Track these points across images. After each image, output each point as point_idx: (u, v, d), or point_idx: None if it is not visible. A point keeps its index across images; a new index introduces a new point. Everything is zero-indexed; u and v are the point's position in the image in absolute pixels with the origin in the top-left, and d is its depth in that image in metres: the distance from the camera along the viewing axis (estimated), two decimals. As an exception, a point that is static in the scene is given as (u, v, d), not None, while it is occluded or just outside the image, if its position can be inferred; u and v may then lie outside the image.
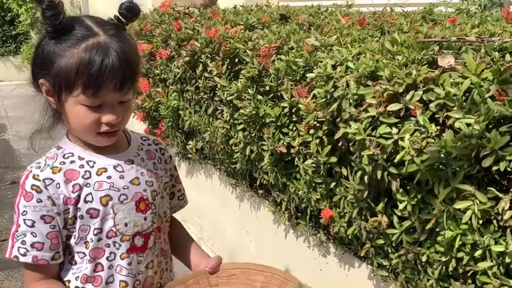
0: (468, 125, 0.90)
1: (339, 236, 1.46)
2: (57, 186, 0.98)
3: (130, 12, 1.00)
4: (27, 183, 0.97)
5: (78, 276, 1.02)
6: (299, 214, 1.72)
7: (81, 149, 1.03)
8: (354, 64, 1.19)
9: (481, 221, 0.95)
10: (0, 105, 6.44)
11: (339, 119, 1.24)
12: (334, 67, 1.28)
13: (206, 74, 1.96)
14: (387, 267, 1.31)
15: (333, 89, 1.23)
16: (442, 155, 0.95)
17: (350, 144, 1.21)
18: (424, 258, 1.10)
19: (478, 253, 0.96)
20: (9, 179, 3.73)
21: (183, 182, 1.27)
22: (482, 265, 0.96)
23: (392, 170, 1.07)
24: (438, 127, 0.99)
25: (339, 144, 1.28)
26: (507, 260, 0.92)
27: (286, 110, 1.48)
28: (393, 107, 1.05)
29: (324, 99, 1.25)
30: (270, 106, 1.56)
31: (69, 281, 1.03)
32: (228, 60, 1.81)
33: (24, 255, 0.97)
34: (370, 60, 1.17)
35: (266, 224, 1.99)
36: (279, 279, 1.05)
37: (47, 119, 1.04)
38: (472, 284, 1.02)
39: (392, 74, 1.08)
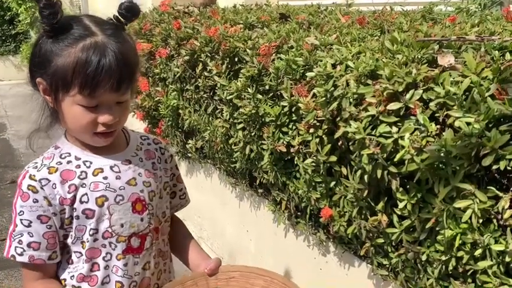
0: (468, 124, 0.90)
1: (338, 235, 1.46)
2: (53, 187, 0.98)
3: (129, 12, 0.99)
4: (24, 183, 0.97)
5: (73, 276, 1.03)
6: (299, 213, 1.72)
7: (79, 149, 1.03)
8: (354, 63, 1.19)
9: (481, 220, 0.95)
10: (0, 105, 6.44)
11: (338, 118, 1.23)
12: (334, 66, 1.28)
13: (206, 73, 1.96)
14: (387, 266, 1.31)
15: (332, 88, 1.23)
16: (442, 154, 0.94)
17: (350, 143, 1.20)
18: (424, 257, 1.10)
19: (478, 252, 0.96)
20: (9, 178, 3.73)
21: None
22: (482, 264, 0.96)
23: (392, 169, 1.07)
24: (438, 126, 0.99)
25: (339, 144, 1.28)
26: (507, 259, 0.92)
27: (286, 109, 1.48)
28: (393, 106, 1.05)
29: (324, 98, 1.25)
30: (269, 105, 1.56)
31: (64, 280, 1.03)
32: (227, 59, 1.81)
33: (21, 254, 0.98)
34: (370, 59, 1.16)
35: (266, 223, 1.98)
36: (278, 284, 1.04)
37: (44, 118, 1.04)
38: (472, 283, 1.02)
39: (392, 73, 1.08)
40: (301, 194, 1.52)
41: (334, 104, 1.22)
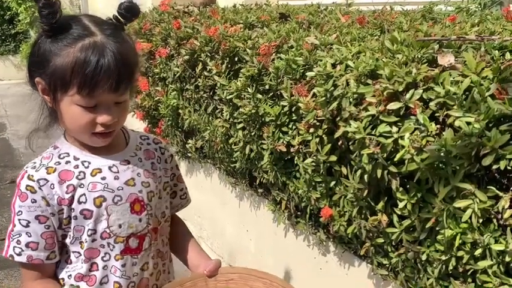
0: (468, 123, 0.90)
1: (338, 234, 1.46)
2: (52, 187, 0.97)
3: (129, 12, 0.99)
4: (22, 183, 0.97)
5: (71, 275, 1.03)
6: (299, 213, 1.72)
7: (77, 149, 1.03)
8: (354, 63, 1.19)
9: (481, 220, 0.95)
10: (0, 104, 6.44)
11: (338, 118, 1.23)
12: (334, 66, 1.28)
13: (206, 73, 1.96)
14: (387, 266, 1.31)
15: (332, 88, 1.22)
16: (442, 154, 0.94)
17: (350, 143, 1.20)
18: (424, 257, 1.10)
19: (478, 252, 0.96)
20: (9, 178, 3.73)
21: (183, 181, 1.27)
22: (482, 264, 0.96)
23: (392, 168, 1.07)
24: (438, 126, 0.99)
25: (339, 143, 1.28)
26: (507, 258, 0.92)
27: (286, 108, 1.48)
28: (393, 105, 1.05)
29: (324, 98, 1.25)
30: (269, 105, 1.56)
31: (63, 279, 1.04)
32: (227, 59, 1.80)
33: (19, 254, 0.98)
34: (370, 58, 1.16)
35: (266, 222, 1.98)
36: (277, 287, 1.04)
37: (43, 118, 1.04)
38: (472, 283, 1.02)
39: (392, 72, 1.08)
40: (301, 194, 1.52)
41: (334, 104, 1.22)
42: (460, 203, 0.96)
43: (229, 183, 2.23)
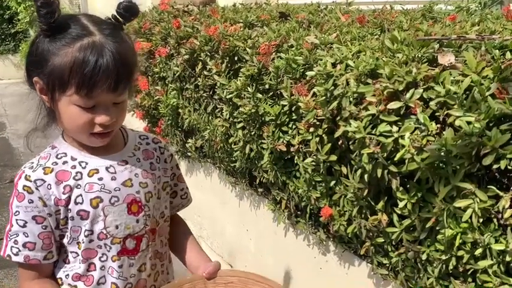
0: (468, 123, 0.90)
1: (338, 234, 1.46)
2: (48, 187, 0.97)
3: (128, 12, 0.98)
4: (19, 183, 0.97)
5: (68, 275, 1.03)
6: (299, 212, 1.72)
7: (75, 149, 1.02)
8: (354, 62, 1.19)
9: (481, 220, 0.95)
10: (0, 104, 6.43)
11: (338, 117, 1.23)
12: (334, 65, 1.27)
13: (205, 72, 1.96)
14: (387, 265, 1.31)
15: (332, 87, 1.22)
16: (442, 153, 0.94)
17: (350, 142, 1.20)
18: (424, 257, 1.10)
19: (478, 251, 0.96)
20: (8, 177, 3.73)
21: (183, 180, 1.27)
22: (482, 263, 0.96)
23: (393, 168, 1.07)
24: (438, 125, 0.99)
25: (339, 143, 1.28)
26: (507, 258, 0.92)
27: (286, 108, 1.48)
28: (393, 105, 1.05)
29: (324, 98, 1.25)
30: (269, 104, 1.56)
31: (60, 279, 1.04)
32: (227, 58, 1.80)
33: (16, 254, 0.98)
34: (370, 58, 1.16)
35: (266, 222, 1.98)
36: None
37: (41, 118, 1.03)
38: (472, 283, 1.02)
39: (392, 72, 1.07)
40: (301, 193, 1.52)
41: (334, 103, 1.21)
42: (460, 203, 0.96)
43: (229, 183, 2.23)
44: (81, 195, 0.99)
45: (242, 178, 2.06)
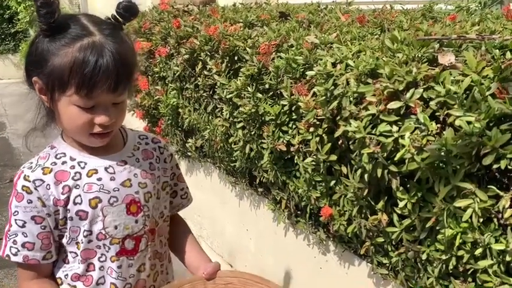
0: (469, 123, 0.90)
1: (338, 234, 1.46)
2: (47, 188, 0.97)
3: (128, 12, 0.98)
4: (18, 183, 0.97)
5: (67, 275, 1.03)
6: (299, 212, 1.72)
7: (74, 149, 1.02)
8: (354, 62, 1.19)
9: (481, 219, 0.95)
10: (0, 103, 6.43)
11: (339, 117, 1.23)
12: (334, 65, 1.27)
13: (205, 72, 1.96)
14: (387, 265, 1.31)
15: (332, 87, 1.22)
16: (442, 153, 0.94)
17: (350, 142, 1.20)
18: (424, 257, 1.10)
19: (478, 251, 0.96)
20: (8, 177, 3.73)
21: (183, 180, 1.26)
22: (482, 263, 0.96)
23: (393, 168, 1.07)
24: (438, 125, 0.99)
25: (339, 143, 1.28)
26: (507, 258, 0.92)
27: (286, 108, 1.48)
28: (393, 105, 1.05)
29: (324, 97, 1.25)
30: (269, 104, 1.56)
31: (60, 278, 1.03)
32: (227, 58, 1.80)
33: (15, 254, 0.98)
34: (370, 58, 1.16)
35: (266, 222, 1.98)
36: None
37: (40, 118, 1.03)
38: (473, 282, 1.02)
39: (392, 71, 1.07)
40: (301, 193, 1.52)
41: (334, 103, 1.21)
42: (460, 203, 0.96)
43: (229, 183, 2.23)
44: (80, 195, 0.99)
45: (242, 178, 2.05)
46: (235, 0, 2.75)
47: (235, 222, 2.29)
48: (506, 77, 0.92)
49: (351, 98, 1.17)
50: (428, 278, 1.13)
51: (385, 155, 1.06)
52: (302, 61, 1.42)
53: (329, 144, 1.31)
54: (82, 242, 1.00)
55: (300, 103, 1.36)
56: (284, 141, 1.51)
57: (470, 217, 0.95)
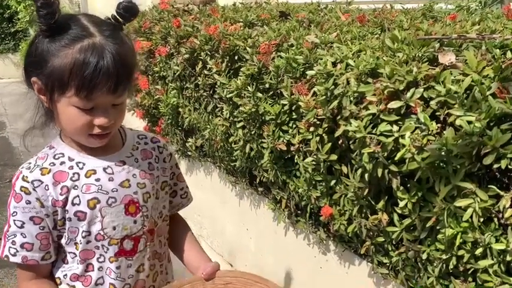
0: (469, 122, 0.90)
1: (339, 233, 1.46)
2: (46, 188, 0.97)
3: (128, 12, 0.97)
4: (17, 184, 0.97)
5: (66, 275, 1.02)
6: (299, 212, 1.72)
7: (73, 150, 1.02)
8: (354, 61, 1.19)
9: (481, 219, 0.95)
10: (0, 103, 6.43)
11: (339, 117, 1.23)
12: (334, 64, 1.27)
13: (206, 72, 1.96)
14: (387, 264, 1.31)
15: (333, 87, 1.22)
16: (442, 153, 0.94)
17: (350, 142, 1.20)
18: (424, 256, 1.10)
19: (478, 251, 0.96)
20: (8, 176, 3.73)
21: (183, 179, 1.26)
22: (482, 263, 0.96)
23: (393, 167, 1.07)
24: (439, 125, 0.99)
25: (339, 142, 1.28)
26: (508, 258, 0.92)
27: (286, 107, 1.48)
28: (394, 104, 1.05)
29: (324, 97, 1.25)
30: (269, 104, 1.56)
31: (59, 278, 1.03)
32: (227, 57, 1.80)
33: (14, 255, 0.97)
34: (371, 57, 1.16)
35: (266, 221, 1.98)
36: None
37: (39, 117, 1.02)
38: (473, 282, 1.02)
39: (392, 71, 1.07)
40: (301, 193, 1.52)
41: (335, 103, 1.21)
42: (460, 202, 0.96)
43: (229, 182, 2.23)
44: (78, 196, 0.98)
45: (242, 177, 2.05)
46: (236, 0, 2.75)
47: (236, 222, 2.29)
48: (506, 77, 0.92)
49: (351, 98, 1.17)
50: (428, 277, 1.13)
51: (386, 154, 1.06)
52: (302, 61, 1.42)
53: (329, 144, 1.31)
54: (80, 243, 1.00)
55: (300, 103, 1.36)
56: (284, 140, 1.51)
57: (471, 217, 0.95)
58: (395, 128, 1.04)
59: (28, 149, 1.06)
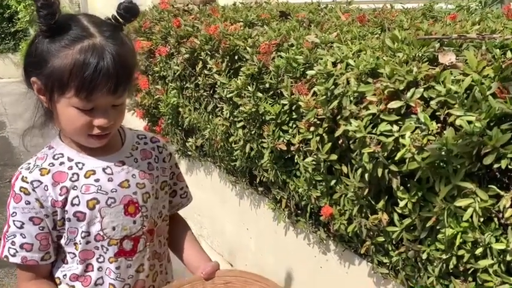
0: (469, 122, 0.90)
1: (339, 233, 1.46)
2: (45, 189, 0.97)
3: (128, 12, 0.97)
4: (16, 184, 0.97)
5: (66, 275, 1.02)
6: (299, 211, 1.72)
7: (72, 150, 1.01)
8: (355, 61, 1.19)
9: (481, 219, 0.95)
10: (0, 103, 6.43)
11: (339, 117, 1.23)
12: (334, 64, 1.27)
13: (206, 71, 1.96)
14: (387, 264, 1.31)
15: (333, 87, 1.22)
16: (443, 153, 0.94)
17: (350, 141, 1.20)
18: (424, 256, 1.10)
19: (478, 251, 0.96)
20: (8, 176, 3.73)
21: (183, 179, 1.26)
22: (483, 263, 0.96)
23: (393, 167, 1.07)
24: (439, 124, 0.99)
25: (339, 142, 1.28)
26: (508, 258, 0.92)
27: (286, 107, 1.48)
28: (394, 104, 1.05)
29: (324, 97, 1.25)
30: (270, 103, 1.56)
31: (58, 278, 1.03)
32: (227, 57, 1.80)
33: (13, 255, 0.97)
34: (371, 57, 1.16)
35: (266, 221, 1.98)
36: None
37: (38, 117, 1.02)
38: (473, 282, 1.02)
39: (393, 71, 1.07)
40: (301, 193, 1.52)
41: (335, 103, 1.21)
42: (460, 202, 0.96)
43: (229, 182, 2.23)
44: (77, 196, 0.98)
45: (242, 177, 2.06)
46: (236, 0, 2.75)
47: (236, 222, 2.29)
48: (506, 77, 0.92)
49: (352, 98, 1.17)
50: (428, 277, 1.13)
51: (386, 154, 1.06)
52: (302, 60, 1.42)
53: (329, 144, 1.31)
54: (80, 243, 1.00)
55: (300, 102, 1.36)
56: (284, 140, 1.51)
57: (471, 217, 0.95)
58: (395, 128, 1.04)
59: (27, 149, 1.06)
